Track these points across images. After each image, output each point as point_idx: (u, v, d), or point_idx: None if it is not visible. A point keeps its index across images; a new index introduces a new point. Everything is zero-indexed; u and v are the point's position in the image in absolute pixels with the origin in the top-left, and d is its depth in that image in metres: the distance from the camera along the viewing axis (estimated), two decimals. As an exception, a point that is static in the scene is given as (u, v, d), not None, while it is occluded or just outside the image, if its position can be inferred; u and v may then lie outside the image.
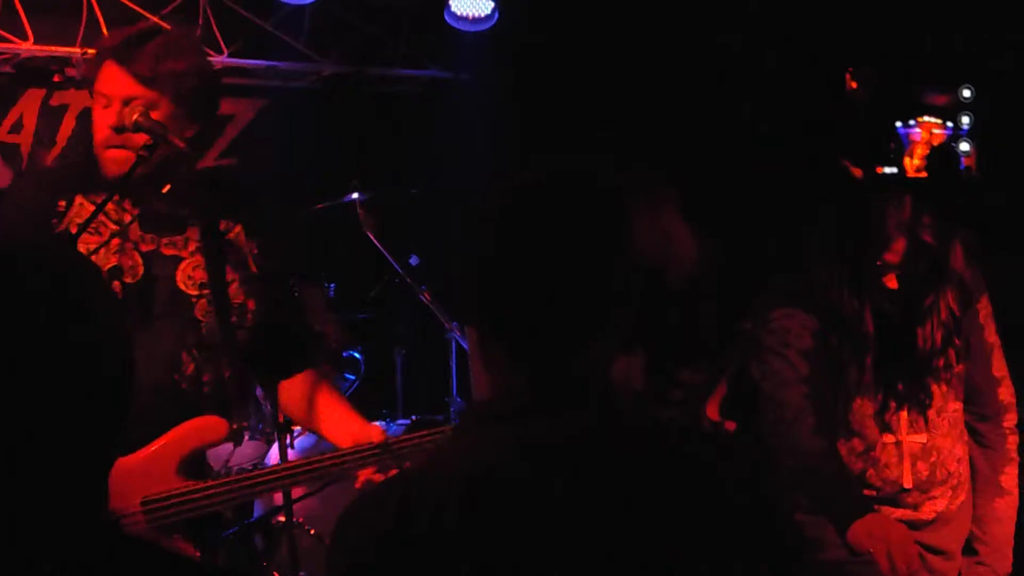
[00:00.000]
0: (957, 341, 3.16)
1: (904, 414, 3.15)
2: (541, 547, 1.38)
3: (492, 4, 6.86)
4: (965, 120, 4.31)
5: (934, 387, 3.16)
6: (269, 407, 4.99)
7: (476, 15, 6.90)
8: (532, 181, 1.56)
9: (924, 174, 3.35)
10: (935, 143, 3.54)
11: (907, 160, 3.45)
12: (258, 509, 4.86)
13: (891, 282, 3.12)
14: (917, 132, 3.46)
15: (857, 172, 3.19)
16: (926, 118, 3.50)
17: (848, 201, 3.18)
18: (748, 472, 1.51)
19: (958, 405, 3.22)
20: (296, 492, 4.50)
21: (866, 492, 3.13)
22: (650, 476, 1.43)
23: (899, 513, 3.12)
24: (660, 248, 3.26)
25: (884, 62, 4.71)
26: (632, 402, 1.52)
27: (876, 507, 3.07)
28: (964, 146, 4.33)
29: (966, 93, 4.28)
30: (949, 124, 4.22)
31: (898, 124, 3.33)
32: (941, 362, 3.14)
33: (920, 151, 3.42)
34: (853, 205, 3.16)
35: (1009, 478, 3.26)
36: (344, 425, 3.07)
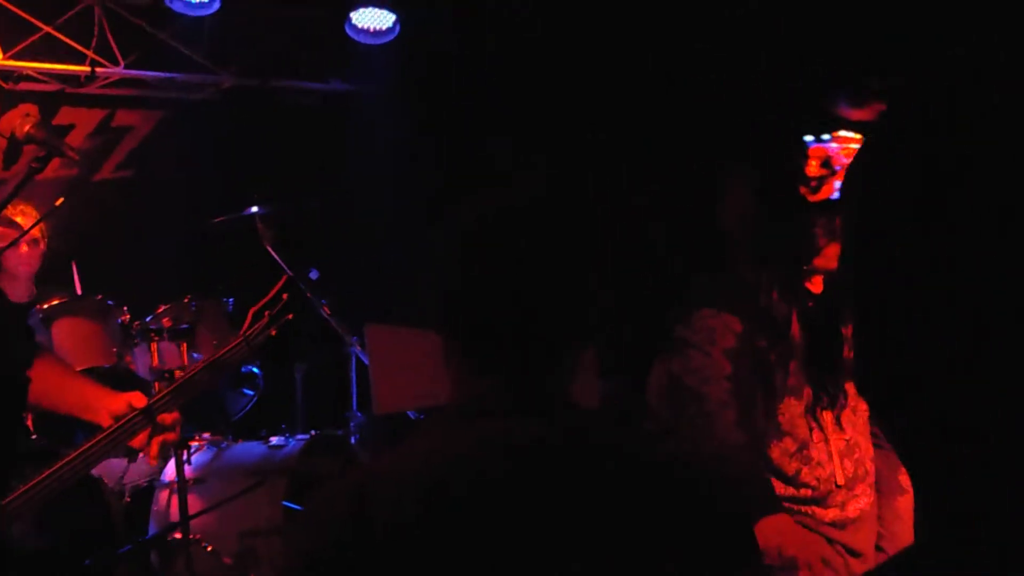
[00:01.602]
0: None
1: (829, 414, 3.20)
2: (501, 548, 1.39)
3: (394, 17, 6.86)
4: None
5: (852, 387, 3.22)
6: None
7: (377, 28, 6.90)
8: (506, 198, 1.57)
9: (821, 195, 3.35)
10: (845, 158, 3.53)
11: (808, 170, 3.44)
12: (153, 526, 4.80)
13: (815, 286, 3.17)
14: (834, 147, 3.43)
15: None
16: (843, 132, 3.48)
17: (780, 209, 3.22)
18: (708, 478, 1.54)
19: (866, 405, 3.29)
20: (193, 508, 4.46)
21: (802, 492, 3.17)
22: (611, 481, 1.46)
23: (831, 515, 3.16)
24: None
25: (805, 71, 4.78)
26: (595, 409, 1.55)
27: (808, 510, 3.13)
28: None
29: None
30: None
31: (808, 138, 3.30)
32: None
33: (814, 166, 3.41)
34: (785, 211, 3.20)
35: (906, 477, 3.32)
36: (101, 400, 2.97)
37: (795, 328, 3.16)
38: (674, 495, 1.48)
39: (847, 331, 3.17)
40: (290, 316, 3.22)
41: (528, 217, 1.54)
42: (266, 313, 3.21)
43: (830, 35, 4.85)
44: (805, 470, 3.19)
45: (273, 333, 3.20)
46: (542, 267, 1.51)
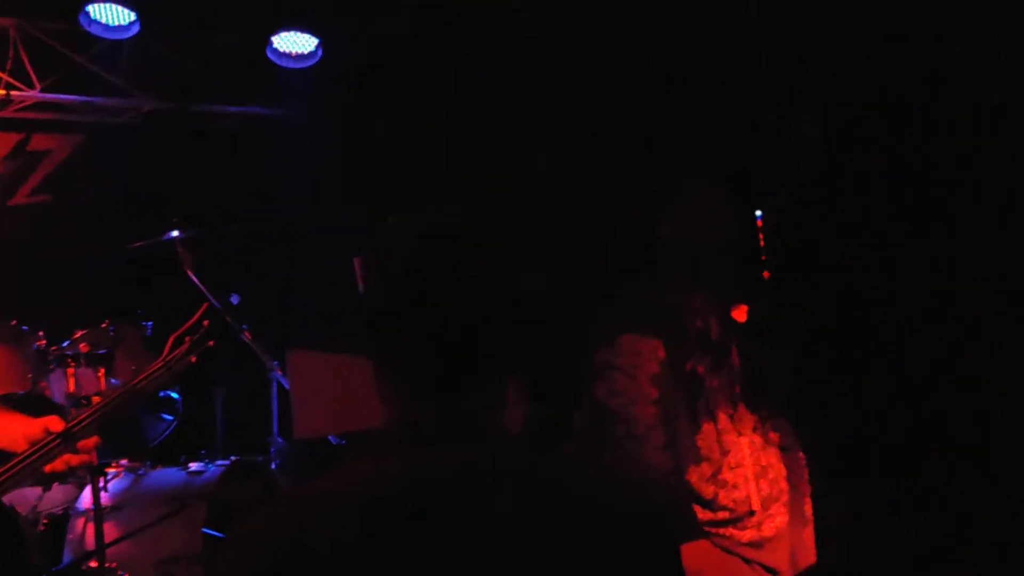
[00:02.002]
0: None
1: (745, 437, 3.23)
2: (439, 569, 1.40)
3: (316, 41, 6.86)
4: None
5: (770, 410, 3.26)
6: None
7: (299, 52, 6.90)
8: (437, 223, 1.59)
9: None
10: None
11: None
12: (68, 555, 4.73)
13: (740, 314, 3.20)
14: None
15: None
16: None
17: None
18: (636, 504, 1.56)
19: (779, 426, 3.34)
20: (110, 536, 4.40)
21: (720, 515, 3.19)
22: (539, 509, 1.48)
23: (748, 535, 3.19)
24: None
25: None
26: (522, 435, 1.58)
27: (726, 532, 3.16)
28: None
29: None
30: None
31: (759, 212, 3.31)
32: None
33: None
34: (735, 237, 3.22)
35: (808, 507, 3.38)
36: (14, 426, 2.95)
37: (735, 353, 3.18)
38: (602, 522, 1.50)
39: (774, 358, 3.21)
40: (211, 343, 3.21)
41: (461, 242, 1.57)
42: (187, 339, 3.19)
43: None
44: (722, 493, 3.22)
45: (194, 360, 3.19)
46: (474, 292, 1.53)
